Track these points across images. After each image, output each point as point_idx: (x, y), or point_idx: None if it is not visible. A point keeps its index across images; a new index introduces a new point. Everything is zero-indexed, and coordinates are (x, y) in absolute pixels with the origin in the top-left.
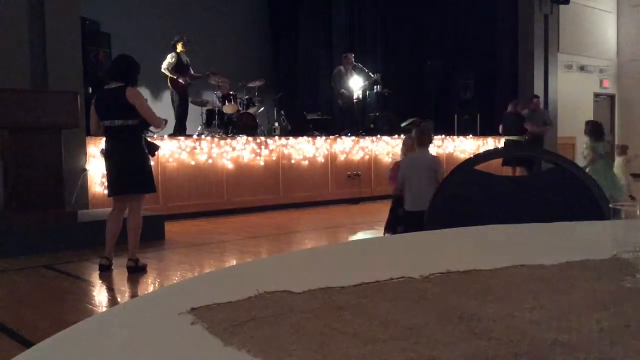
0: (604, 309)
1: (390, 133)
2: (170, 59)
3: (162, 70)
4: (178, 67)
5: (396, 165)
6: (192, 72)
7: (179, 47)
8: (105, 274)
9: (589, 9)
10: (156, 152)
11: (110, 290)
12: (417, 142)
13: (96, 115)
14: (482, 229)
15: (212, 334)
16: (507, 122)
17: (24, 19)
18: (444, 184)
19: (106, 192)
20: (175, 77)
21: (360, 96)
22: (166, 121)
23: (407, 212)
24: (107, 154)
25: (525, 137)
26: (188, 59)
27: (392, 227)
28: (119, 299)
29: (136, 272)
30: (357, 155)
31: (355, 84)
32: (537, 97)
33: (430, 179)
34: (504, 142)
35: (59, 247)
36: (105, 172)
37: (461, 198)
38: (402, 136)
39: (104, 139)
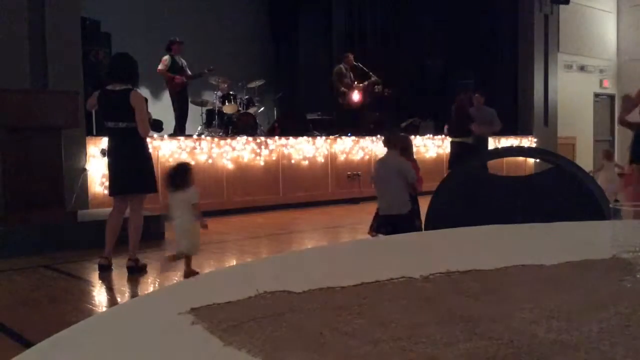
0: (604, 309)
1: (390, 133)
2: (164, 61)
3: (158, 72)
4: (173, 69)
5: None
6: (188, 72)
7: (173, 49)
8: (105, 274)
9: (589, 9)
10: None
11: (110, 290)
12: (386, 144)
13: (99, 111)
14: (482, 229)
15: (212, 334)
16: (457, 123)
17: (24, 19)
18: (444, 183)
19: (106, 192)
20: (171, 77)
21: (361, 95)
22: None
23: (382, 216)
24: (109, 153)
25: (470, 138)
26: (184, 61)
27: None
28: (119, 299)
29: (136, 272)
30: (357, 155)
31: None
32: (479, 93)
33: (399, 183)
34: (450, 144)
35: (59, 247)
36: (106, 172)
37: (461, 198)
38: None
39: (104, 138)
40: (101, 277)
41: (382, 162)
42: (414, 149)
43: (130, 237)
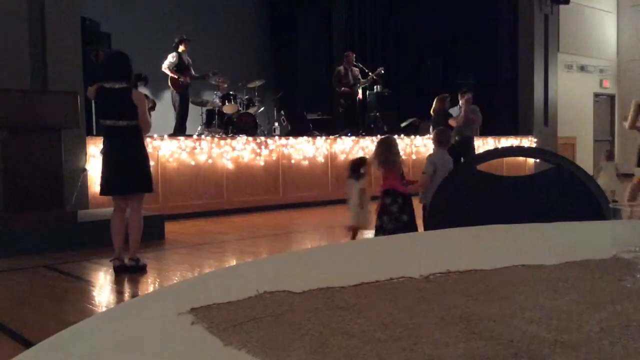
0: (604, 309)
1: (390, 133)
2: (171, 58)
3: (163, 69)
4: (179, 67)
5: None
6: (193, 72)
7: (181, 47)
8: (106, 274)
9: (589, 9)
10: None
11: (110, 290)
12: (438, 143)
13: (96, 109)
14: (482, 229)
15: (212, 334)
16: (436, 122)
17: (24, 19)
18: (445, 183)
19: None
20: (176, 76)
21: (361, 95)
22: None
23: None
24: (106, 151)
25: (455, 137)
26: (190, 60)
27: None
28: (119, 299)
29: (136, 272)
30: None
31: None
32: (465, 92)
33: None
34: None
35: (59, 247)
36: (103, 171)
37: (462, 198)
38: (402, 136)
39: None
40: (101, 278)
41: (439, 158)
42: (413, 149)
43: (131, 237)
